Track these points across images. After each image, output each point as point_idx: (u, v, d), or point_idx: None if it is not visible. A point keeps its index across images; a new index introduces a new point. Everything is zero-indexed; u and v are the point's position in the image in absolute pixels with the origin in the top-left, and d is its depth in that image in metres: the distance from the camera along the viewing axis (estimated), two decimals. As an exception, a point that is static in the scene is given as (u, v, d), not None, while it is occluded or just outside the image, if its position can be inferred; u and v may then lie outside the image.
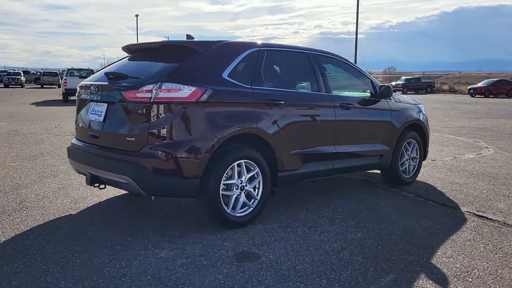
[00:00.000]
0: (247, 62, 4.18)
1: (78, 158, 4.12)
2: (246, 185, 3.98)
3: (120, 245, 3.51)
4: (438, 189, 5.51)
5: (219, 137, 3.71)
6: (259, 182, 4.08)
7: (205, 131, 3.68)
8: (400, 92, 32.64)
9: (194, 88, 3.63)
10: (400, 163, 5.58)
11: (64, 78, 24.01)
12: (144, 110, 3.59)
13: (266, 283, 2.92)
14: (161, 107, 3.57)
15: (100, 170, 3.84)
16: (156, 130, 3.57)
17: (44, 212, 4.31)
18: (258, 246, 3.56)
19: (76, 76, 23.97)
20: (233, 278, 2.99)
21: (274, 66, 4.50)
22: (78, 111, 4.34)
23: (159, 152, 3.55)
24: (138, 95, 3.60)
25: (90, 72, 24.15)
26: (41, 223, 4.01)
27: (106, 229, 3.89)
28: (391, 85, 25.91)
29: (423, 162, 6.05)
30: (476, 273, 3.13)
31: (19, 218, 4.13)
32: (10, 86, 39.94)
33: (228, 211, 3.86)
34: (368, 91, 5.33)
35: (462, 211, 4.64)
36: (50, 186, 5.26)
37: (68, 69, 25.40)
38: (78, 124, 4.33)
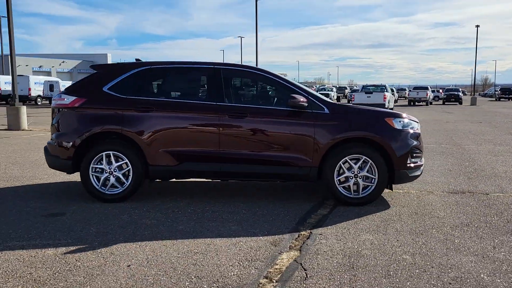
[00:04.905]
0: (133, 78, 5.49)
1: None
2: (115, 171, 5.30)
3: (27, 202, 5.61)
4: (380, 214, 4.93)
5: (86, 132, 5.29)
6: (128, 170, 5.30)
7: (77, 127, 5.35)
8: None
9: (74, 98, 5.36)
10: (338, 179, 5.22)
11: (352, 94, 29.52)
12: (54, 112, 5.58)
13: (33, 224, 4.41)
14: (56, 110, 5.49)
15: None
16: (54, 125, 5.54)
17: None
18: (79, 213, 4.93)
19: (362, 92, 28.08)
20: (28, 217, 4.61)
21: (158, 81, 5.55)
22: None
23: (52, 140, 5.50)
24: (53, 102, 5.62)
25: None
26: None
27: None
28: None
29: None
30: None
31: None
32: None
33: (98, 188, 5.32)
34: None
35: (300, 230, 4.37)
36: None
37: (363, 86, 30.86)
38: None
